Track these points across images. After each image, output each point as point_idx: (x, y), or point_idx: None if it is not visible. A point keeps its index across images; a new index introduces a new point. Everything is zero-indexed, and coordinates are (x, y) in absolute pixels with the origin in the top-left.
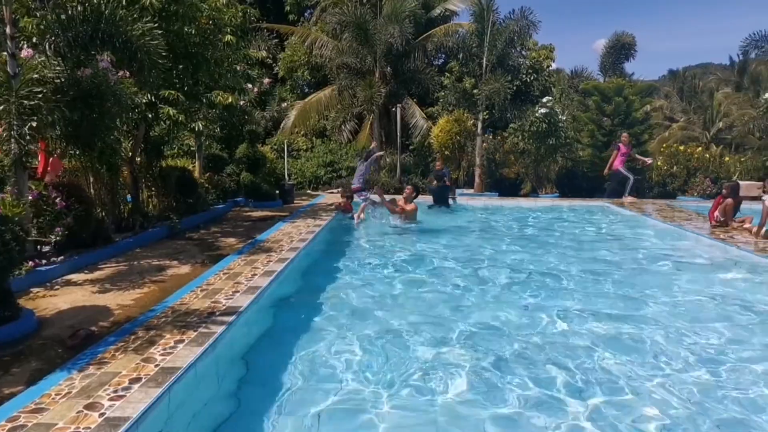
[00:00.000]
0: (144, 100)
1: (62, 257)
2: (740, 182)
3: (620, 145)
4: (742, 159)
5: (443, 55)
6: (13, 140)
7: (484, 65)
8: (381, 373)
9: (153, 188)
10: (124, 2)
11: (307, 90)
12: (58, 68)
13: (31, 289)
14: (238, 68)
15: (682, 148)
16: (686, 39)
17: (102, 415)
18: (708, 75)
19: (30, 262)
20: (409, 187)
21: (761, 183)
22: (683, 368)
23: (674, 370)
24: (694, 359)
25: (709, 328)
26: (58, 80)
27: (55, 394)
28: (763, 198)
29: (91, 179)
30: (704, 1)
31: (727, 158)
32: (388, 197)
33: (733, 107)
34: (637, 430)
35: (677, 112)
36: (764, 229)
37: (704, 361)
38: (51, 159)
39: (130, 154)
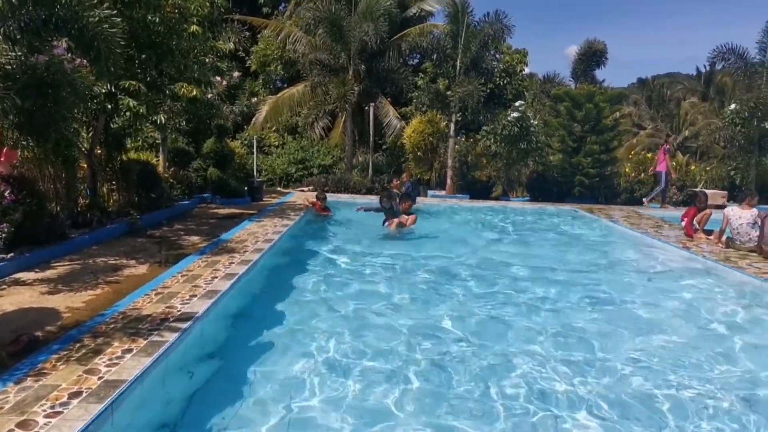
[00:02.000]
0: (103, 90)
1: (11, 254)
2: (708, 191)
3: (667, 146)
4: (708, 168)
5: (418, 56)
6: None
7: (458, 67)
8: (341, 387)
9: (113, 182)
10: None
11: (280, 85)
12: (10, 54)
13: None
14: (207, 60)
15: (650, 155)
16: (656, 48)
17: None
18: (676, 84)
19: None
20: (408, 202)
21: (725, 192)
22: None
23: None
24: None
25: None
26: (9, 66)
27: None
28: (726, 205)
29: (48, 172)
30: (673, 11)
31: (693, 167)
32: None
33: (699, 116)
34: None
35: (645, 119)
36: (724, 236)
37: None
38: (4, 149)
39: (89, 146)
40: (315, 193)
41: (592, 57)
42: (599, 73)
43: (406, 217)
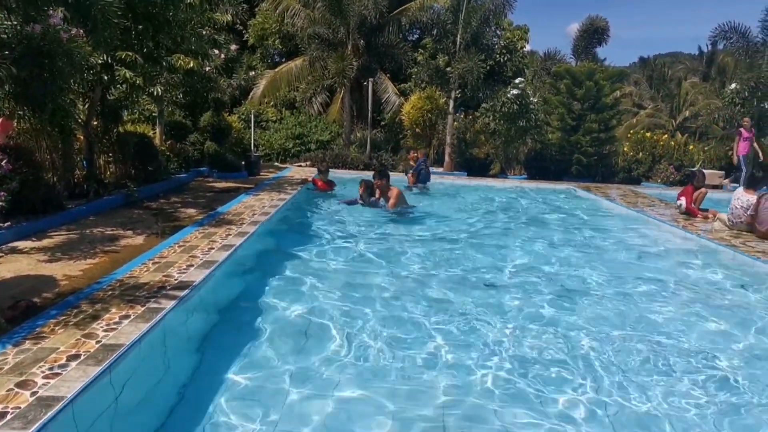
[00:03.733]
0: (99, 61)
1: (8, 223)
2: (706, 171)
3: (741, 129)
4: (706, 148)
5: (418, 31)
6: None
7: (458, 43)
8: (339, 358)
9: (110, 154)
10: None
11: (277, 59)
12: (5, 23)
13: None
14: (204, 32)
15: (648, 135)
16: (658, 27)
17: (34, 394)
18: (677, 64)
19: None
20: (381, 180)
21: (722, 172)
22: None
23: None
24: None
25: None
26: (4, 35)
27: None
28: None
29: (45, 143)
30: None
31: (691, 146)
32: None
33: (699, 97)
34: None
35: (646, 99)
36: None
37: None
38: (1, 120)
39: (85, 117)
40: (316, 169)
41: (593, 34)
42: (601, 52)
43: (389, 193)
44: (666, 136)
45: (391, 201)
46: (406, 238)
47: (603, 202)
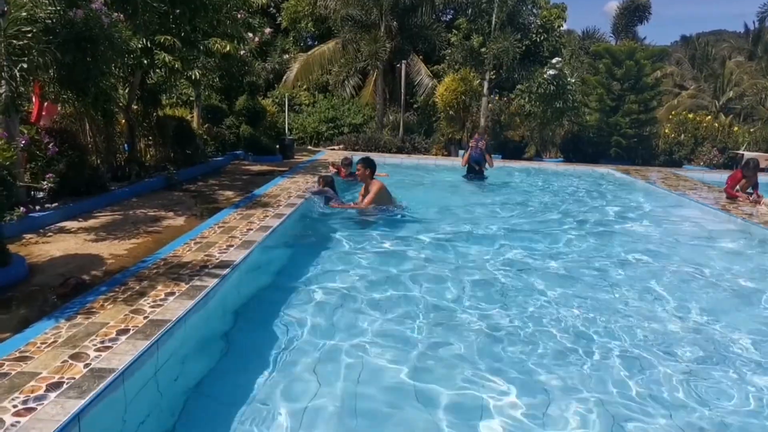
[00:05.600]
0: (139, 45)
1: (56, 204)
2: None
3: None
4: (752, 129)
5: (451, 11)
6: (3, 82)
7: (493, 22)
8: (375, 338)
9: (150, 138)
10: None
11: (310, 42)
12: (50, 8)
13: (24, 236)
14: (239, 16)
15: (691, 116)
16: (701, 4)
17: (87, 365)
18: (721, 42)
19: (22, 208)
20: (363, 168)
21: (767, 155)
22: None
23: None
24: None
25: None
26: (49, 20)
27: (41, 343)
28: None
29: (87, 126)
30: None
31: (736, 128)
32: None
33: (744, 76)
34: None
35: (687, 79)
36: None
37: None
38: (46, 103)
39: (127, 101)
40: (342, 157)
41: (634, 12)
42: (641, 30)
43: (370, 186)
44: (709, 117)
45: (369, 196)
46: (449, 215)
47: (643, 185)
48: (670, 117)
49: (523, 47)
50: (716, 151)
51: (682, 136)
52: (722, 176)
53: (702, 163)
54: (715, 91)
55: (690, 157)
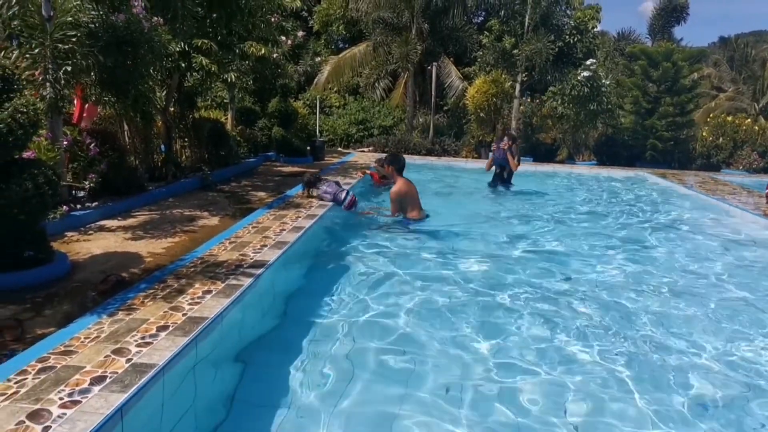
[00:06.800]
0: (177, 49)
1: (96, 203)
2: None
3: None
4: None
5: (483, 12)
6: (48, 84)
7: (526, 24)
8: (407, 335)
9: (186, 139)
10: None
11: (341, 45)
12: (93, 13)
13: (66, 233)
14: (273, 19)
15: (729, 119)
16: (740, 4)
17: (129, 360)
18: (761, 43)
19: (64, 207)
20: (390, 167)
21: None
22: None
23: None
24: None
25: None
26: (92, 25)
27: (84, 338)
28: None
29: (126, 127)
30: None
31: None
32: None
33: None
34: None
35: (726, 81)
36: None
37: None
38: (87, 105)
39: (164, 103)
40: (377, 157)
41: (671, 12)
42: (678, 31)
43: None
44: (749, 120)
45: (392, 206)
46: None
47: (682, 190)
48: (708, 120)
49: (556, 49)
50: (756, 154)
51: (721, 139)
52: (763, 180)
53: (741, 167)
54: (755, 94)
55: (729, 161)
